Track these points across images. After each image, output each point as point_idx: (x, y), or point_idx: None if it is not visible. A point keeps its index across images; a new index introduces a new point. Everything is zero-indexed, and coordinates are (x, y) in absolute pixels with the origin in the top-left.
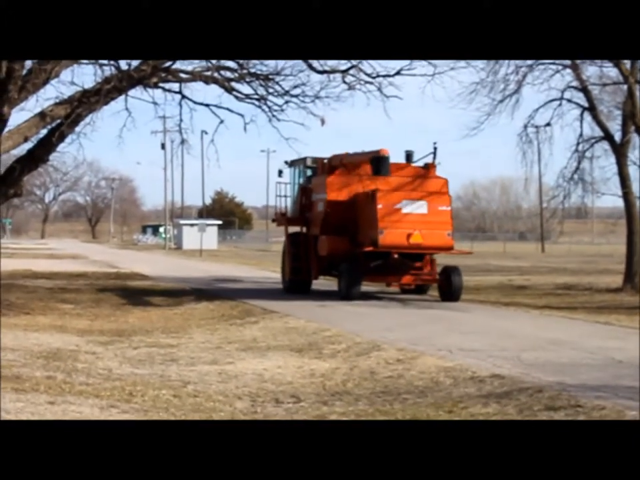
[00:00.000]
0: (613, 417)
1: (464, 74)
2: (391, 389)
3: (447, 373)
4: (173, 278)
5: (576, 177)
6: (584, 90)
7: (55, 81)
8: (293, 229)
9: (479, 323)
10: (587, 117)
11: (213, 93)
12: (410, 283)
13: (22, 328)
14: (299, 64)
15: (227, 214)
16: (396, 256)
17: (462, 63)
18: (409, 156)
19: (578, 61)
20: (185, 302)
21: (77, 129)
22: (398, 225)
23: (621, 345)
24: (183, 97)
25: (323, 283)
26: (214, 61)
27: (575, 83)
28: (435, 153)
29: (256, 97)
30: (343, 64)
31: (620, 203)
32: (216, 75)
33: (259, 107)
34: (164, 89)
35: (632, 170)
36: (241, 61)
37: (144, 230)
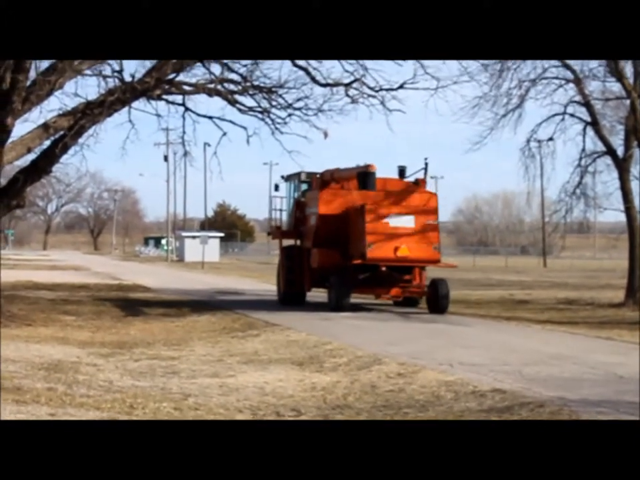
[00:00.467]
0: None
1: (467, 88)
2: (392, 403)
3: (448, 387)
4: (175, 290)
5: (578, 191)
6: (587, 105)
7: (58, 92)
8: (289, 242)
9: (481, 337)
10: (590, 131)
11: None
12: (398, 295)
13: (23, 339)
14: (302, 77)
15: (229, 226)
16: (384, 269)
17: (465, 77)
18: (401, 171)
19: (581, 75)
20: (187, 314)
21: (80, 140)
22: (385, 239)
23: (623, 360)
24: (186, 109)
25: (318, 294)
26: (217, 73)
27: (577, 98)
28: (426, 169)
29: (259, 109)
30: (346, 77)
31: (622, 217)
32: (219, 87)
33: (262, 119)
34: (167, 101)
35: (634, 185)
36: (245, 74)
37: (146, 242)
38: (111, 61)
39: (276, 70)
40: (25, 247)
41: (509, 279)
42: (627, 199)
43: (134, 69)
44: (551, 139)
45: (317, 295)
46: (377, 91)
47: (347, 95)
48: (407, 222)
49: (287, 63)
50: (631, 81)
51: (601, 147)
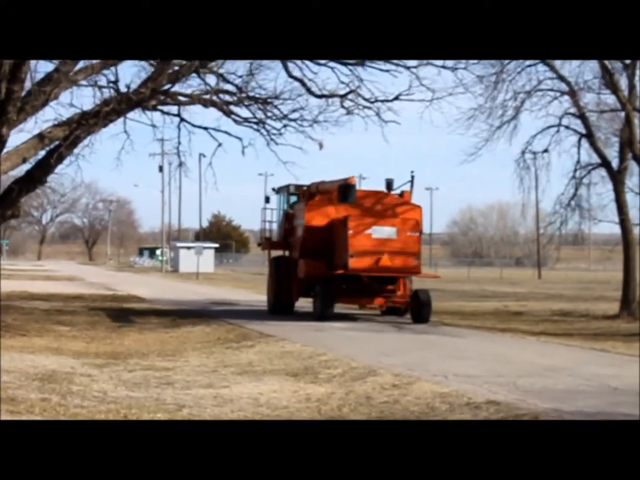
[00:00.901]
0: None
1: (462, 99)
2: (387, 415)
3: (443, 399)
4: (170, 301)
5: (573, 203)
6: (582, 117)
7: (53, 102)
8: (279, 253)
9: (475, 348)
10: (585, 143)
11: (211, 116)
12: (382, 304)
13: (18, 350)
14: (298, 88)
15: (223, 237)
16: (366, 279)
17: (460, 88)
18: (389, 184)
19: (576, 88)
20: (181, 325)
21: (76, 150)
22: (368, 249)
23: (617, 372)
24: (182, 119)
25: (307, 304)
26: (213, 84)
27: (572, 110)
28: (412, 182)
29: (254, 120)
30: (342, 88)
31: (617, 229)
32: (214, 98)
33: (257, 130)
34: (162, 112)
35: (629, 197)
36: (240, 85)
37: (141, 252)
38: (106, 72)
39: (271, 81)
40: (19, 257)
41: (503, 291)
42: (621, 211)
43: (129, 79)
44: (545, 150)
45: (306, 305)
46: (372, 102)
47: (342, 106)
48: (389, 233)
49: (283, 74)
50: (626, 93)
51: (595, 159)
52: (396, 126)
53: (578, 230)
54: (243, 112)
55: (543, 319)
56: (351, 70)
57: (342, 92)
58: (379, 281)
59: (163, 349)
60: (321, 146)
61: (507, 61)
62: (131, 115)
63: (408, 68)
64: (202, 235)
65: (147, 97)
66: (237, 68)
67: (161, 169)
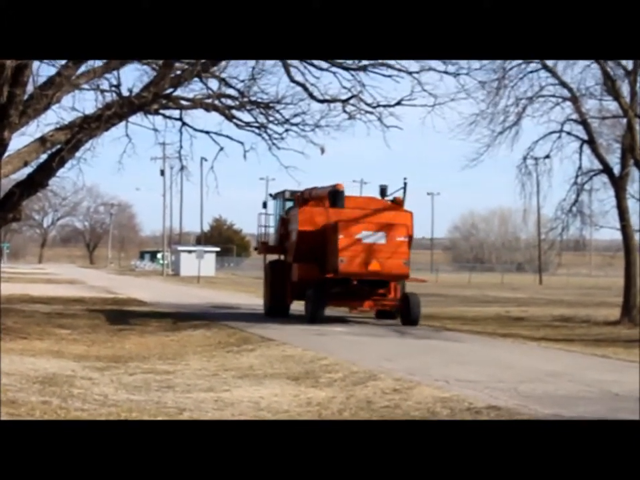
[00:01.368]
0: None
1: (464, 105)
2: (388, 419)
3: (444, 404)
4: (170, 304)
5: (574, 209)
6: (583, 123)
7: (56, 106)
8: (276, 257)
9: (476, 353)
10: (586, 149)
11: (213, 120)
12: (371, 307)
13: (18, 352)
14: (300, 92)
15: (225, 241)
16: (355, 282)
17: (462, 94)
18: (383, 190)
19: (578, 94)
20: (182, 328)
21: (77, 154)
22: (357, 254)
23: (618, 377)
24: (184, 123)
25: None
26: (215, 89)
27: (574, 116)
28: (405, 188)
29: (256, 124)
30: (344, 93)
31: (618, 235)
32: (216, 102)
33: (259, 134)
34: (164, 116)
35: (630, 203)
36: (242, 89)
37: (142, 256)
38: (108, 75)
39: (273, 85)
40: (20, 260)
41: (504, 296)
42: (622, 217)
43: (131, 83)
44: (547, 156)
45: (302, 307)
46: (374, 107)
47: (344, 111)
48: (379, 238)
49: (285, 78)
50: (628, 99)
51: (597, 165)
52: (398, 131)
53: (579, 236)
54: (245, 116)
55: (544, 325)
56: (353, 75)
57: (344, 97)
58: (368, 285)
59: (163, 352)
60: (322, 150)
61: (509, 67)
62: (132, 118)
63: (410, 73)
64: (203, 239)
65: (149, 100)
66: (239, 72)
67: (162, 172)
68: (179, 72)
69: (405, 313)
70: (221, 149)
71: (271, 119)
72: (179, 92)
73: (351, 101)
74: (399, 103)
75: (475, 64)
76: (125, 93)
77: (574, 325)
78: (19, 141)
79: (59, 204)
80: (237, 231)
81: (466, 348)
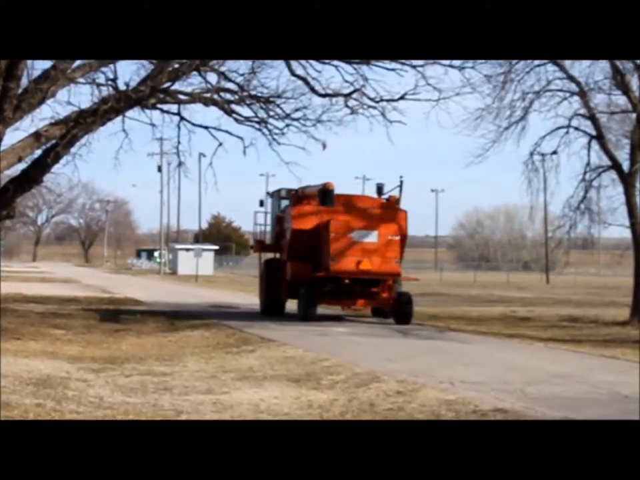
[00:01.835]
0: None
1: (469, 100)
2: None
3: (449, 407)
4: (168, 304)
5: (582, 206)
6: (592, 118)
7: (50, 100)
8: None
9: (482, 354)
10: (595, 145)
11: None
12: (364, 306)
13: (12, 353)
14: (301, 86)
15: (223, 239)
16: (347, 281)
17: (467, 88)
18: (379, 188)
19: (586, 88)
20: (180, 329)
21: (73, 149)
22: (349, 252)
23: (627, 379)
24: (182, 118)
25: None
26: (214, 82)
27: (582, 111)
28: (401, 187)
29: (256, 119)
30: (346, 87)
31: (627, 233)
32: (215, 96)
33: (259, 129)
34: (162, 111)
35: None
36: (242, 83)
37: (138, 254)
38: (105, 69)
39: (274, 79)
40: (14, 259)
41: (510, 295)
42: (632, 214)
43: (128, 77)
44: (554, 152)
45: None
46: (377, 102)
47: (347, 106)
48: (371, 237)
49: (285, 72)
50: (637, 94)
51: (606, 161)
52: (401, 126)
53: (587, 234)
54: (245, 111)
55: (551, 325)
56: (355, 69)
57: (346, 91)
58: (360, 283)
59: (160, 353)
60: (324, 146)
61: (515, 61)
62: (129, 113)
63: (414, 67)
64: (201, 237)
65: (147, 95)
66: (238, 66)
67: (159, 168)
68: (177, 66)
69: (397, 312)
70: (220, 144)
71: (271, 113)
72: (177, 86)
73: (354, 95)
74: (402, 98)
75: None
76: (122, 87)
77: (582, 325)
78: (13, 136)
79: (53, 201)
80: (236, 228)
81: (471, 349)
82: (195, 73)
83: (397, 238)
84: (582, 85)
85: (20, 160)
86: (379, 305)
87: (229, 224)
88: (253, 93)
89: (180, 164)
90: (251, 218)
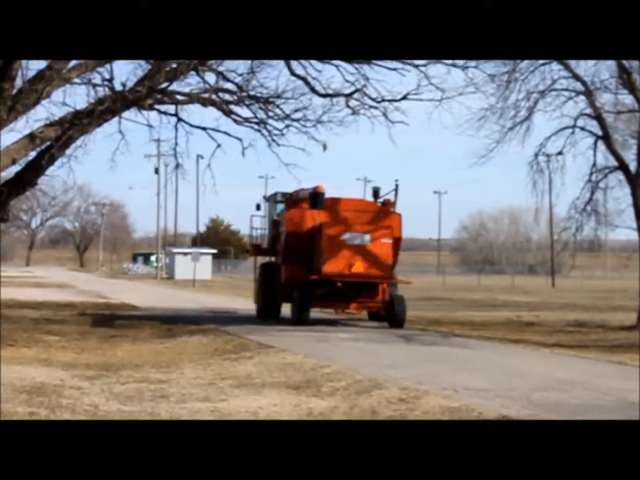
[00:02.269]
0: None
1: (473, 99)
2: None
3: (453, 414)
4: (165, 309)
5: (589, 208)
6: (598, 118)
7: (45, 101)
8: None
9: (486, 360)
10: (601, 145)
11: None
12: (357, 310)
13: (5, 361)
14: (301, 86)
15: (222, 242)
16: (339, 284)
17: (471, 88)
18: (375, 192)
19: (592, 87)
20: (177, 335)
21: (68, 151)
22: (341, 255)
23: (635, 385)
24: (179, 119)
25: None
26: (212, 83)
27: (588, 111)
28: (396, 190)
29: (255, 120)
30: (347, 87)
31: (634, 236)
32: (214, 97)
33: (258, 130)
34: (159, 111)
35: None
36: (240, 83)
37: (135, 258)
38: (101, 69)
39: (273, 79)
40: (7, 263)
41: (515, 300)
42: (639, 216)
43: (125, 77)
44: (560, 153)
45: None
46: (378, 102)
47: (348, 106)
48: (364, 240)
49: (285, 72)
50: None
51: (612, 161)
52: (403, 127)
53: (594, 236)
54: (244, 111)
55: (556, 330)
56: (356, 68)
57: (347, 91)
58: (353, 287)
59: (157, 360)
60: (324, 147)
61: (519, 60)
62: (126, 114)
63: (416, 66)
64: (199, 240)
65: (143, 95)
66: (237, 66)
67: (156, 170)
68: (174, 66)
69: (390, 315)
70: (218, 145)
71: (270, 114)
72: (174, 86)
73: (355, 96)
74: (404, 98)
75: None
76: (118, 88)
77: (588, 330)
78: (7, 137)
79: (48, 204)
80: (235, 232)
81: (475, 354)
82: (192, 72)
83: (390, 241)
84: (588, 84)
85: (14, 162)
86: (372, 308)
87: (227, 227)
88: (252, 93)
89: (177, 166)
90: (249, 221)
